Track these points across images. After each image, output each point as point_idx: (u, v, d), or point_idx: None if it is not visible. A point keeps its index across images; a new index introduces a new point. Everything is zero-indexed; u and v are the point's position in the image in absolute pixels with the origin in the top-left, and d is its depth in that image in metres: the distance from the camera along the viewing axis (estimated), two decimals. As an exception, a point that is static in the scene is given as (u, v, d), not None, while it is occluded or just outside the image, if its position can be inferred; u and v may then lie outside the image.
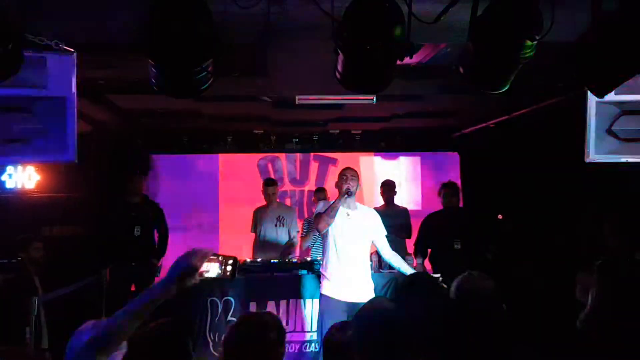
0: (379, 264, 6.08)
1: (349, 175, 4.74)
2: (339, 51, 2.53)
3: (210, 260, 2.00)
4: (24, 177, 6.61)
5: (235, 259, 2.05)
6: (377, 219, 4.90)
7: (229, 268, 2.02)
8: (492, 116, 6.81)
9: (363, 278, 4.74)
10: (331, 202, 4.75)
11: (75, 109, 3.22)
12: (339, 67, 2.65)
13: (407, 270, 4.81)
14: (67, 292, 5.60)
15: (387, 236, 4.94)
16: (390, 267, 6.10)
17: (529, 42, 2.39)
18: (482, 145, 7.79)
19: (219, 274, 2.02)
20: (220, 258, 2.02)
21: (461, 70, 2.71)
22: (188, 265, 1.91)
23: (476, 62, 2.61)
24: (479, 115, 6.99)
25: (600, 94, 2.75)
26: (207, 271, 1.99)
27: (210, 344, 5.61)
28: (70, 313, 5.28)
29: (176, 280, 1.90)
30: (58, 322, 5.18)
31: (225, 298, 5.70)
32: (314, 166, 8.63)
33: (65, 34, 3.28)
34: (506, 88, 2.71)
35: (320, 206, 4.86)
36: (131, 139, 7.77)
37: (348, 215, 4.74)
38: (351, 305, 4.52)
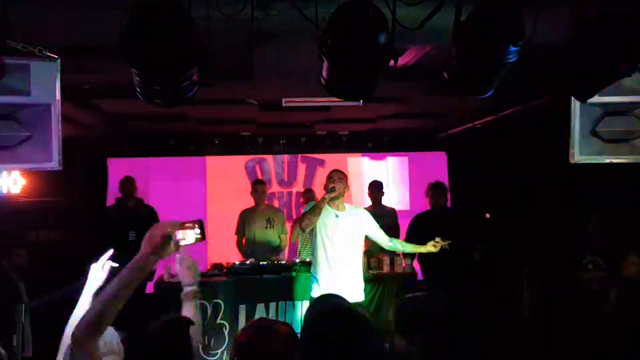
0: (368, 265, 6.10)
1: (335, 177, 4.77)
2: (324, 58, 2.53)
3: (182, 228, 2.08)
4: (10, 182, 6.56)
5: (201, 221, 2.15)
6: (367, 215, 4.95)
7: (198, 231, 2.12)
8: (478, 117, 6.85)
9: (353, 279, 4.76)
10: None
11: (60, 116, 3.19)
12: (324, 74, 2.65)
13: (413, 248, 5.19)
14: (53, 298, 5.55)
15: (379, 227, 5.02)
16: (379, 269, 6.16)
17: (512, 47, 2.40)
18: (470, 145, 7.83)
19: (196, 239, 2.11)
20: (190, 224, 2.11)
21: (445, 75, 2.73)
22: (162, 235, 1.97)
23: (460, 67, 2.62)
24: (466, 116, 7.02)
25: (582, 99, 2.77)
26: (183, 239, 2.08)
27: (199, 347, 5.59)
28: (58, 319, 5.23)
29: (153, 252, 1.97)
30: (45, 329, 5.14)
31: (215, 301, 5.70)
32: (301, 167, 8.63)
33: (49, 39, 3.26)
34: (490, 93, 2.73)
35: (308, 207, 4.88)
36: (117, 142, 7.73)
37: (337, 216, 4.76)
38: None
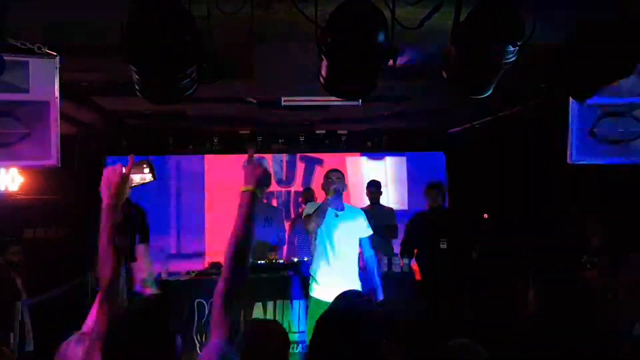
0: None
1: (334, 177, 4.78)
2: (323, 57, 2.53)
3: (136, 171, 2.19)
4: (8, 179, 6.55)
5: (148, 161, 2.23)
6: (364, 218, 4.95)
7: (147, 170, 2.22)
8: (477, 117, 6.85)
9: (352, 279, 4.77)
10: (319, 204, 4.78)
11: (58, 113, 3.20)
12: (323, 72, 2.66)
13: (374, 277, 4.98)
14: (52, 295, 5.55)
15: (371, 236, 4.99)
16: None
17: (510, 47, 2.41)
18: (468, 145, 7.83)
19: (150, 179, 2.23)
20: (139, 165, 2.20)
21: (444, 74, 2.73)
22: (118, 182, 2.10)
23: (459, 67, 2.62)
24: (465, 116, 7.03)
25: (581, 99, 2.78)
26: (143, 181, 2.23)
27: (197, 345, 5.59)
28: (57, 316, 5.24)
29: (115, 200, 2.10)
30: (45, 326, 5.14)
31: (212, 299, 5.69)
32: (300, 167, 8.62)
33: (48, 37, 3.26)
34: (489, 93, 2.73)
35: (309, 207, 4.89)
36: (116, 140, 7.71)
37: (337, 215, 4.77)
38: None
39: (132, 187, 2.18)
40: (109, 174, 2.10)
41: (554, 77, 2.75)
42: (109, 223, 2.09)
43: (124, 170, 2.11)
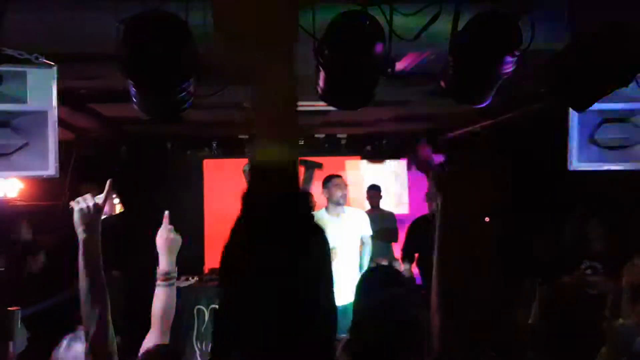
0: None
1: (341, 183, 4.81)
2: (320, 67, 2.52)
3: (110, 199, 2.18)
4: (7, 186, 6.52)
5: (116, 191, 2.18)
6: (365, 219, 4.98)
7: (117, 200, 2.17)
8: (477, 120, 6.84)
9: (351, 280, 4.77)
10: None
11: (56, 123, 3.18)
12: (320, 83, 2.65)
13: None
14: (51, 302, 5.53)
15: (371, 236, 5.03)
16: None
17: (508, 57, 2.40)
18: (469, 148, 7.81)
19: (120, 209, 2.17)
20: (111, 195, 2.17)
21: (442, 84, 2.72)
22: (94, 213, 2.04)
23: (456, 76, 2.61)
24: (465, 120, 7.01)
25: (579, 109, 2.77)
26: (117, 206, 2.16)
27: (197, 352, 5.58)
28: (56, 322, 5.22)
29: (92, 233, 2.03)
30: (43, 332, 5.12)
31: (212, 306, 5.67)
32: (300, 171, 8.59)
33: (46, 46, 3.24)
34: (487, 102, 2.72)
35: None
36: (114, 146, 7.70)
37: (338, 220, 4.79)
38: (340, 309, 4.53)
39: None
40: (82, 206, 2.03)
41: (553, 85, 2.73)
42: (89, 260, 2.00)
43: (96, 200, 2.04)
